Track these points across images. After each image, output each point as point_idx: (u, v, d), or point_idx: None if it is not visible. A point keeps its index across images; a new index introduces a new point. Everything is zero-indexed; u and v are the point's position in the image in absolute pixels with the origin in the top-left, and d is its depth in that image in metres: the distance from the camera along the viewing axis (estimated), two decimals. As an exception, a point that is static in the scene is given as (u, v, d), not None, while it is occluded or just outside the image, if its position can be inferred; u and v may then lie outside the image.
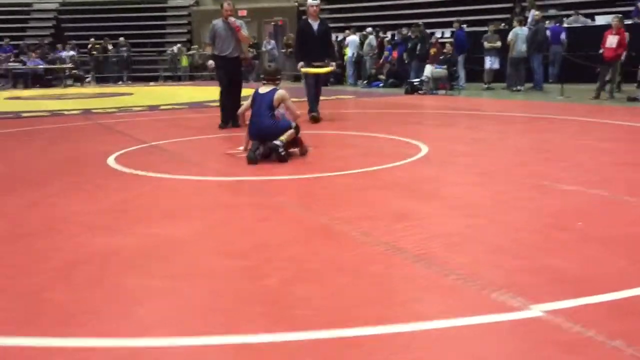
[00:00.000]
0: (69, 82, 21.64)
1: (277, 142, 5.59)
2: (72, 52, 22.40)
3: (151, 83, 22.66)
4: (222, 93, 8.72)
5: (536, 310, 2.34)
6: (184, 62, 23.83)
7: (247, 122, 5.98)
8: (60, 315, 2.48)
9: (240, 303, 2.57)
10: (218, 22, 8.61)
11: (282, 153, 5.60)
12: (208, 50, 8.89)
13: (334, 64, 9.36)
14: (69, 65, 21.76)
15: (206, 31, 26.84)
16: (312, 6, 8.84)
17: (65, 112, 11.57)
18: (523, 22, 14.50)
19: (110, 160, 6.06)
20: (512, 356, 2.10)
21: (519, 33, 13.96)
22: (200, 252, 3.25)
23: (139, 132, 8.34)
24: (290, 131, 5.74)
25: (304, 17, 8.84)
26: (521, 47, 13.88)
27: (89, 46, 22.94)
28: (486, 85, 14.92)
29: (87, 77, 22.70)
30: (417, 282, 2.74)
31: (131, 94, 17.17)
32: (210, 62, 8.77)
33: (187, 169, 5.65)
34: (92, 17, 24.87)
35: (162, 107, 12.35)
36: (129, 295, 2.67)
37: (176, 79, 23.71)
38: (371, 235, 3.41)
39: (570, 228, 3.46)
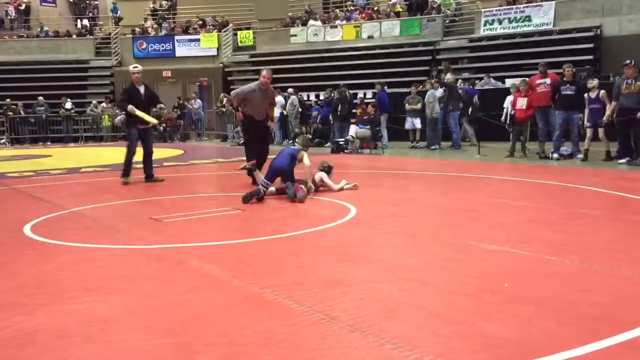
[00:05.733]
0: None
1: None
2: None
3: (71, 144, 21.95)
4: (249, 154, 8.75)
5: (473, 379, 2.35)
6: (106, 122, 23.30)
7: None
8: (-31, 412, 2.26)
9: (170, 386, 2.43)
10: (253, 86, 8.69)
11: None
12: (234, 104, 9.06)
13: (156, 120, 9.78)
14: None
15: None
16: (134, 73, 9.22)
17: (-23, 177, 10.96)
18: (440, 85, 15.24)
19: (27, 229, 5.75)
20: None
21: (436, 95, 14.66)
22: (126, 330, 3.07)
23: (58, 197, 7.99)
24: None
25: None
26: (436, 108, 14.57)
27: (5, 107, 22.08)
28: (412, 144, 15.46)
29: (2, 139, 21.73)
30: (353, 353, 2.69)
31: (50, 155, 16.54)
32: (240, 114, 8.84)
33: (110, 236, 5.43)
34: (9, 77, 24.04)
35: (83, 170, 11.94)
36: (47, 384, 2.48)
37: (98, 139, 23.09)
38: (304, 303, 3.35)
39: (498, 290, 3.55)
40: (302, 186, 7.26)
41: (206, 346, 2.81)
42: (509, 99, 13.49)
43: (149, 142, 9.56)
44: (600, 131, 11.16)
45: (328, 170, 7.97)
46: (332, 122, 16.78)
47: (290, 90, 18.81)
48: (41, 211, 6.78)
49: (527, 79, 13.13)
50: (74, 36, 26.74)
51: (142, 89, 9.31)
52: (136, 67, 9.42)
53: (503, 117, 13.58)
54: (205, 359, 2.68)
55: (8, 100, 22.39)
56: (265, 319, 3.16)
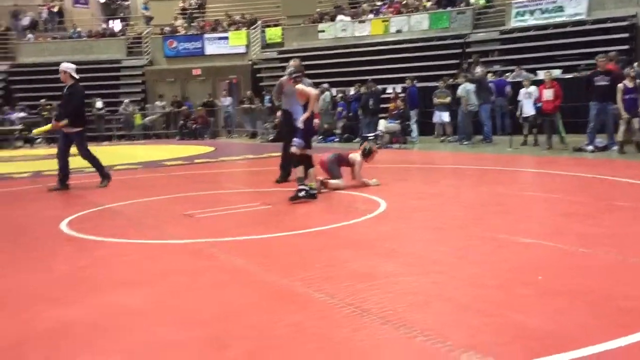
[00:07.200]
0: (19, 143, 21.11)
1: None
2: (22, 114, 21.96)
3: (104, 143, 22.35)
4: (284, 147, 8.50)
5: (505, 372, 2.32)
6: (138, 120, 23.65)
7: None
8: (8, 401, 2.32)
9: (202, 377, 2.46)
10: (285, 80, 8.32)
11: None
12: (276, 101, 9.16)
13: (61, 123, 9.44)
14: (19, 127, 21.29)
15: (162, 89, 26.24)
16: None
17: (15, 175, 11.24)
18: (469, 81, 14.98)
19: (63, 225, 5.87)
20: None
21: (469, 88, 14.43)
22: (158, 323, 3.12)
23: (93, 195, 8.15)
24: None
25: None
26: (472, 100, 14.32)
27: (39, 107, 22.58)
28: (441, 139, 15.30)
29: (38, 138, 22.23)
30: (385, 346, 2.69)
31: (83, 154, 16.80)
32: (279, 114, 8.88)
33: (143, 232, 5.52)
34: (44, 77, 24.56)
35: (116, 168, 12.11)
36: (83, 374, 2.53)
37: (130, 137, 23.45)
38: (335, 297, 3.35)
39: (530, 282, 3.50)
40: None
41: (236, 339, 2.84)
42: (523, 92, 13.13)
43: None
44: (636, 121, 10.84)
45: (368, 153, 8.01)
46: (360, 117, 16.72)
47: (325, 85, 18.70)
48: (76, 208, 6.91)
49: (551, 71, 12.84)
50: (106, 36, 27.17)
51: (65, 89, 9.38)
52: (60, 65, 9.49)
53: (518, 112, 13.24)
54: (236, 352, 2.70)
55: (43, 100, 22.89)
56: (295, 312, 3.17)
